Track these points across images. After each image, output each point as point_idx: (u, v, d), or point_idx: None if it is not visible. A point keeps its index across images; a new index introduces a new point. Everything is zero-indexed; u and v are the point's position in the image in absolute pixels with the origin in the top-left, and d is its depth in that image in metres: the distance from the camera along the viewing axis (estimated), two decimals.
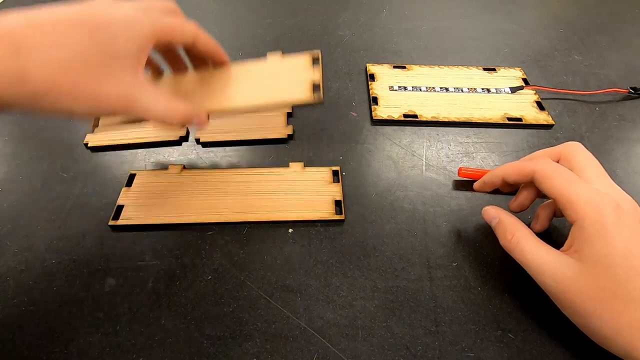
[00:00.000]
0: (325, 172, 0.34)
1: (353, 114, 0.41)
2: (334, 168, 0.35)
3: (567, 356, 0.25)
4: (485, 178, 0.30)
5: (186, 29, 0.26)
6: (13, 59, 0.19)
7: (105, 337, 0.25)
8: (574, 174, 0.25)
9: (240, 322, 0.26)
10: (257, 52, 0.48)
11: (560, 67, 0.47)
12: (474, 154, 0.37)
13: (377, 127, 0.39)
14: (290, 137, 0.38)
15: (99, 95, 0.22)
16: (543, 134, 0.39)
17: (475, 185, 0.32)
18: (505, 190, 0.30)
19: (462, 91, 0.43)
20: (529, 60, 0.48)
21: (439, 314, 0.27)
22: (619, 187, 0.25)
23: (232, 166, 0.36)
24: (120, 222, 0.31)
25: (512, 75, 0.45)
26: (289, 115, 0.40)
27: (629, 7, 0.59)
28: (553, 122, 0.39)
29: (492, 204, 0.33)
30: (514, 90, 0.43)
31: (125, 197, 0.32)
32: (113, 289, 0.27)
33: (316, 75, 0.32)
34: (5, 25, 0.20)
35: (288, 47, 0.49)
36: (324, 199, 0.32)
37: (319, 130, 0.39)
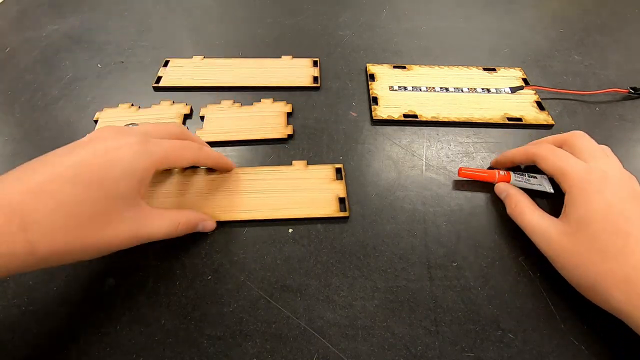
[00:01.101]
0: (328, 170, 0.34)
1: (353, 114, 0.41)
2: (337, 165, 0.35)
3: (567, 356, 0.25)
4: (498, 158, 0.34)
5: (185, 156, 0.28)
6: (21, 236, 0.20)
7: (105, 337, 0.25)
8: (569, 153, 0.29)
9: (240, 322, 0.26)
10: (257, 52, 0.48)
11: (560, 67, 0.47)
12: (474, 154, 0.37)
13: (377, 127, 0.39)
14: (290, 137, 0.38)
15: (106, 240, 0.23)
16: (543, 134, 0.39)
17: (492, 161, 0.35)
18: (518, 168, 0.35)
19: (462, 91, 0.43)
20: (529, 60, 0.48)
21: (439, 314, 0.27)
22: (619, 165, 0.28)
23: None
24: None
25: (512, 75, 0.45)
26: (289, 115, 0.40)
27: (629, 7, 0.59)
28: (553, 122, 0.39)
29: (490, 205, 0.33)
30: (514, 90, 0.43)
31: None
32: (113, 289, 0.27)
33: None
34: (7, 198, 0.20)
35: (288, 47, 0.49)
36: (328, 196, 0.32)
37: (319, 130, 0.39)
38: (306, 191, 0.33)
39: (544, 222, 0.27)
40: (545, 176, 0.32)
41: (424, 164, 0.36)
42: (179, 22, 0.54)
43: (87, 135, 0.25)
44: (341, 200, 0.32)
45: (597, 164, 0.27)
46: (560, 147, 0.30)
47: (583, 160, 0.28)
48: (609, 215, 0.24)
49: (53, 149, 0.37)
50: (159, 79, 0.44)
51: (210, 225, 0.30)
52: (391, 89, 0.43)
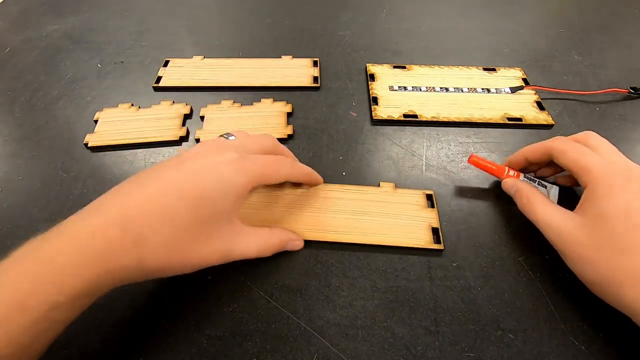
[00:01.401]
0: (418, 196, 0.32)
1: (353, 114, 0.41)
2: (428, 192, 0.33)
3: (567, 356, 0.25)
4: (511, 158, 0.33)
5: (280, 172, 0.27)
6: (134, 251, 0.21)
7: (105, 337, 0.25)
8: (585, 147, 0.28)
9: (240, 322, 0.26)
10: (257, 52, 0.48)
11: (560, 67, 0.47)
12: (474, 154, 0.37)
13: (377, 127, 0.39)
14: (290, 137, 0.38)
15: (203, 256, 0.24)
16: (543, 134, 0.39)
17: (505, 162, 0.33)
18: (532, 168, 0.33)
19: (462, 91, 0.43)
20: (529, 60, 0.48)
21: (439, 314, 0.27)
22: (633, 162, 0.27)
23: None
24: None
25: (512, 75, 0.45)
26: (289, 115, 0.40)
27: (629, 7, 0.59)
28: (553, 122, 0.39)
29: (490, 205, 0.33)
30: (514, 90, 0.43)
31: None
32: (113, 290, 0.27)
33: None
34: (121, 212, 0.21)
35: (288, 47, 0.49)
36: (419, 224, 0.31)
37: (319, 130, 0.39)
38: (396, 217, 0.31)
39: (559, 214, 0.27)
40: (555, 187, 0.31)
41: (424, 164, 0.36)
42: (179, 22, 0.54)
43: (190, 149, 0.26)
44: (434, 231, 0.30)
45: (618, 159, 0.27)
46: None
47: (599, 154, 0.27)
48: (631, 212, 0.24)
49: (53, 149, 0.38)
50: (159, 79, 0.44)
51: (298, 245, 0.29)
52: (391, 89, 0.43)
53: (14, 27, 0.53)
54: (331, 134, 0.39)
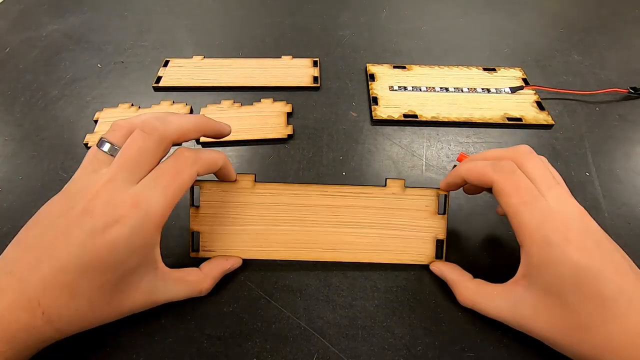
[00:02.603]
0: (430, 198, 0.28)
1: (353, 114, 0.41)
2: (441, 192, 0.28)
3: (567, 356, 0.25)
4: (448, 178, 0.27)
5: (184, 180, 0.23)
6: (47, 327, 0.20)
7: (106, 337, 0.25)
8: (534, 189, 0.23)
9: (240, 322, 0.26)
10: (257, 52, 0.48)
11: (560, 67, 0.47)
12: (474, 154, 0.37)
13: (377, 127, 0.39)
14: (290, 137, 0.38)
15: (124, 311, 0.23)
16: (543, 134, 0.39)
17: (441, 184, 0.28)
18: (471, 191, 0.29)
19: (462, 91, 0.43)
20: (529, 60, 0.48)
21: (439, 314, 0.27)
22: (571, 198, 0.23)
23: (238, 170, 0.35)
24: (201, 254, 0.28)
25: (512, 75, 0.45)
26: (289, 115, 0.40)
27: (629, 7, 0.59)
28: (553, 122, 0.39)
29: (490, 205, 0.33)
30: (514, 90, 0.43)
31: (197, 222, 0.28)
32: None
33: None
34: (26, 294, 0.20)
35: (288, 47, 0.49)
36: (424, 235, 0.28)
37: (319, 130, 0.39)
38: (400, 229, 0.29)
39: (508, 305, 0.23)
40: None
41: (424, 164, 0.36)
42: (179, 22, 0.54)
43: (67, 196, 0.24)
44: (439, 244, 0.28)
45: (552, 201, 0.22)
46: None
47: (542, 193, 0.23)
48: (579, 280, 0.20)
49: (53, 149, 0.38)
50: (159, 79, 0.44)
51: (237, 264, 0.28)
52: (391, 89, 0.43)
53: (14, 27, 0.53)
54: (331, 134, 0.39)
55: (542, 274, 0.22)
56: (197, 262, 0.28)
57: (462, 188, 0.28)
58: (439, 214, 0.29)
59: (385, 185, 0.29)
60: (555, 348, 0.22)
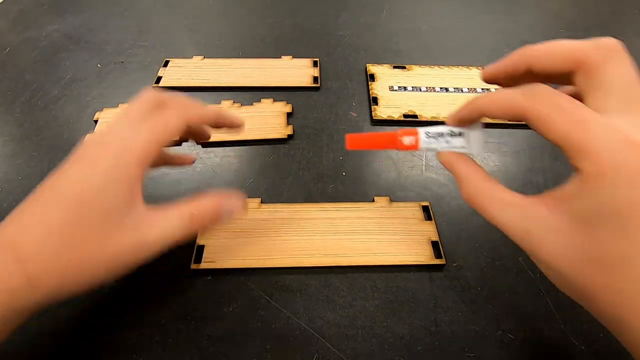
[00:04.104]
0: (415, 209, 0.32)
1: (353, 114, 0.41)
2: (423, 203, 0.32)
3: (567, 356, 0.25)
4: (461, 112, 0.21)
5: (169, 127, 0.23)
6: (19, 270, 0.19)
7: (106, 337, 0.25)
8: (585, 107, 0.17)
9: (240, 322, 0.26)
10: (257, 52, 0.48)
11: None
12: (474, 154, 0.37)
13: (377, 127, 0.39)
14: (290, 137, 0.38)
15: (109, 257, 0.21)
16: None
17: (450, 118, 0.22)
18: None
19: (462, 91, 0.43)
20: None
21: (439, 314, 0.27)
22: None
23: (238, 170, 0.36)
24: (202, 265, 0.28)
25: None
26: (289, 115, 0.40)
27: (629, 7, 0.59)
28: None
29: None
30: None
31: (203, 236, 0.30)
32: (113, 290, 0.27)
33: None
34: (4, 234, 0.20)
35: (288, 47, 0.49)
36: (417, 239, 0.30)
37: (319, 130, 0.39)
38: (394, 233, 0.30)
39: (522, 212, 0.19)
40: (476, 130, 0.22)
41: (424, 164, 0.36)
42: (179, 22, 0.54)
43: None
44: (434, 245, 0.30)
45: (635, 126, 0.17)
46: (572, 71, 0.19)
47: (610, 111, 0.17)
48: (631, 217, 0.16)
49: (53, 149, 0.38)
50: (159, 79, 0.44)
51: (235, 205, 0.24)
52: (391, 89, 0.43)
53: (14, 27, 0.53)
54: (331, 134, 0.39)
55: (589, 199, 0.17)
56: (197, 274, 0.28)
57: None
58: (426, 220, 0.31)
59: (373, 201, 0.32)
60: (555, 274, 0.19)
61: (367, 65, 0.46)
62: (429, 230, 0.30)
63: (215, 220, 0.24)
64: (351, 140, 0.23)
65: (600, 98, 0.18)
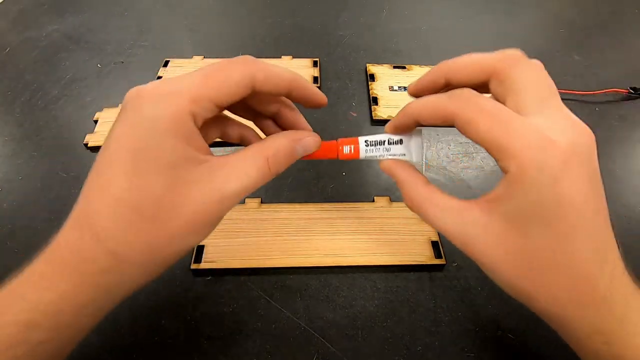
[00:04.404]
0: None
1: (353, 114, 0.41)
2: None
3: (567, 356, 0.25)
4: (395, 120, 0.22)
5: (234, 74, 0.19)
6: (99, 247, 0.17)
7: (105, 337, 0.25)
8: (506, 109, 0.18)
9: (240, 322, 0.26)
10: (257, 52, 0.48)
11: (560, 67, 0.47)
12: (474, 154, 0.37)
13: (377, 127, 0.39)
14: None
15: (191, 216, 0.18)
16: None
17: (387, 127, 0.23)
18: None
19: None
20: None
21: (439, 314, 0.27)
22: (573, 116, 0.18)
23: None
24: (202, 265, 0.28)
25: None
26: None
27: (629, 7, 0.59)
28: None
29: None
30: None
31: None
32: None
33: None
34: (78, 212, 0.18)
35: (288, 47, 0.49)
36: (418, 239, 0.30)
37: (319, 130, 0.39)
38: (394, 233, 0.30)
39: (458, 217, 0.19)
40: (415, 135, 0.22)
41: (424, 164, 0.36)
42: (179, 22, 0.54)
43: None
44: (434, 245, 0.29)
45: (547, 119, 0.18)
46: (486, 81, 0.20)
47: (522, 109, 0.18)
48: (556, 214, 0.17)
49: (53, 149, 0.38)
50: (159, 79, 0.44)
51: (311, 142, 0.22)
52: (391, 89, 0.43)
53: (14, 27, 0.53)
54: (331, 134, 0.39)
55: (517, 199, 0.18)
56: (196, 274, 0.28)
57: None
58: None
59: (373, 201, 0.32)
60: (494, 276, 0.20)
61: (367, 65, 0.46)
62: (429, 230, 0.30)
63: (291, 161, 0.21)
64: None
65: (515, 101, 0.18)
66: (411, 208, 0.21)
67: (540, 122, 0.18)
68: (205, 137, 0.20)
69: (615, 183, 0.34)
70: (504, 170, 0.18)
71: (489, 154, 0.19)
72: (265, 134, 0.23)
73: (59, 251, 0.18)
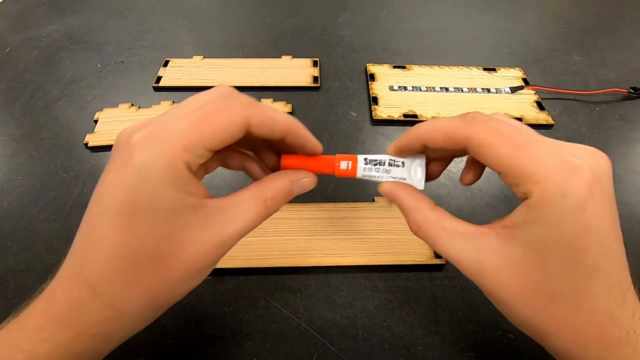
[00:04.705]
0: None
1: (353, 114, 0.41)
2: None
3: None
4: (401, 141, 0.21)
5: (228, 123, 0.18)
6: (97, 303, 0.17)
7: None
8: (525, 131, 0.18)
9: (240, 322, 0.26)
10: (257, 52, 0.48)
11: (560, 67, 0.47)
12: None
13: (377, 127, 0.39)
14: None
15: (189, 264, 0.18)
16: (543, 134, 0.39)
17: (390, 148, 0.22)
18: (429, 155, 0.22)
19: (462, 91, 0.43)
20: (529, 60, 0.48)
21: (439, 314, 0.27)
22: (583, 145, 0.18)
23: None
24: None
25: (512, 75, 0.45)
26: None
27: (629, 7, 0.59)
28: (553, 122, 0.39)
29: (491, 205, 0.33)
30: (514, 90, 0.43)
31: None
32: None
33: None
34: (73, 264, 0.18)
35: (288, 47, 0.49)
36: (417, 239, 0.30)
37: (319, 130, 0.39)
38: (394, 233, 0.30)
39: (472, 246, 0.18)
40: (418, 159, 0.21)
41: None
42: (179, 22, 0.54)
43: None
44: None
45: (571, 149, 0.17)
46: (463, 149, 0.19)
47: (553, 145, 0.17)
48: (580, 245, 0.16)
49: (53, 149, 0.38)
50: (159, 79, 0.44)
51: (308, 182, 0.21)
52: (391, 89, 0.43)
53: (14, 27, 0.53)
54: (331, 134, 0.39)
55: (539, 226, 0.17)
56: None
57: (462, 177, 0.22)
58: None
59: (373, 201, 0.32)
60: (509, 311, 0.19)
61: (367, 65, 0.46)
62: None
63: (288, 200, 0.21)
64: (286, 161, 0.21)
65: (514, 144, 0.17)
66: (416, 233, 0.20)
67: (559, 147, 0.17)
68: (205, 169, 0.20)
69: (616, 183, 0.34)
70: (524, 196, 0.17)
71: (504, 180, 0.18)
72: (265, 164, 0.23)
73: (55, 303, 0.17)
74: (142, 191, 0.17)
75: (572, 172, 0.16)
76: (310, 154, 0.21)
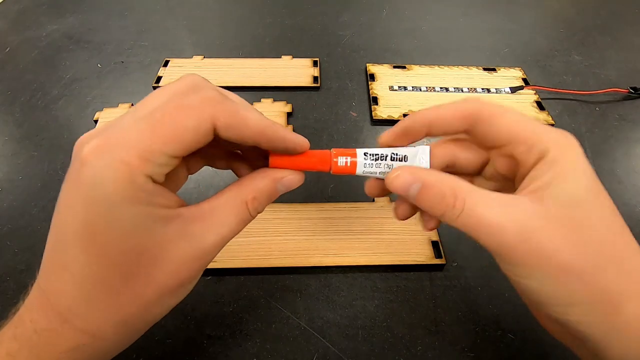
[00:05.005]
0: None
1: (353, 114, 0.41)
2: None
3: (567, 356, 0.25)
4: (399, 127, 0.20)
5: (189, 127, 0.16)
6: (67, 328, 0.16)
7: None
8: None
9: (240, 322, 0.26)
10: (257, 52, 0.48)
11: (560, 67, 0.47)
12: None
13: (377, 127, 0.39)
14: None
15: (167, 280, 0.17)
16: None
17: (385, 136, 0.20)
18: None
19: (462, 91, 0.43)
20: (529, 60, 0.48)
21: (439, 314, 0.27)
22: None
23: None
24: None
25: (512, 75, 0.45)
26: (289, 115, 0.40)
27: (629, 7, 0.59)
28: (553, 122, 0.39)
29: None
30: (514, 90, 0.43)
31: None
32: None
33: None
34: (39, 289, 0.17)
35: (288, 47, 0.49)
36: (418, 239, 0.30)
37: (319, 130, 0.39)
38: (394, 233, 0.30)
39: (508, 208, 0.17)
40: (422, 147, 0.20)
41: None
42: (179, 22, 0.54)
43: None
44: (434, 245, 0.29)
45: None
46: (468, 128, 0.19)
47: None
48: (600, 197, 0.17)
49: (53, 149, 0.38)
50: (159, 79, 0.44)
51: (293, 180, 0.20)
52: (391, 89, 0.43)
53: (14, 27, 0.53)
54: (331, 134, 0.39)
55: (566, 179, 0.16)
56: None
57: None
58: None
59: (373, 201, 0.32)
60: (569, 284, 0.16)
61: (367, 65, 0.46)
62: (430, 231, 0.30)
63: (273, 200, 0.19)
64: (275, 161, 0.19)
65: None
66: (453, 206, 0.17)
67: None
68: (188, 169, 0.19)
69: (616, 183, 0.34)
70: (535, 159, 0.17)
71: (512, 152, 0.18)
72: (254, 164, 0.21)
73: (25, 331, 0.16)
74: (98, 209, 0.15)
75: (567, 134, 0.17)
76: (299, 152, 0.19)
